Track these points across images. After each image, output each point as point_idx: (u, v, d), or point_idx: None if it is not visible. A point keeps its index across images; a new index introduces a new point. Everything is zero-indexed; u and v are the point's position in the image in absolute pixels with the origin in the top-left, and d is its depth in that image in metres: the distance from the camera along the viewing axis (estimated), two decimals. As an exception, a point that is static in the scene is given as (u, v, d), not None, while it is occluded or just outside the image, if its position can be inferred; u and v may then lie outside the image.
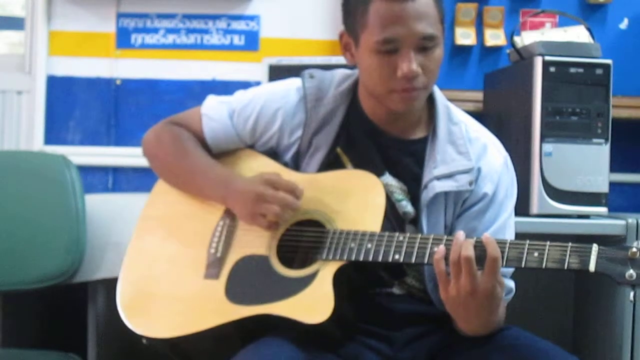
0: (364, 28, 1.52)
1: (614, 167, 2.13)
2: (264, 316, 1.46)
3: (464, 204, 1.58)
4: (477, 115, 1.71)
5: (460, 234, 1.40)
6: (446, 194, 1.56)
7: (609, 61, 2.08)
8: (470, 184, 1.56)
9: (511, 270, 1.57)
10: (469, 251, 1.37)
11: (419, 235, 1.47)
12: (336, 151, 1.62)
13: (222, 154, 1.72)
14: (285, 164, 1.67)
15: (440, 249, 1.40)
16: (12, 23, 2.81)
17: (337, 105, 1.63)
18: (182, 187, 1.71)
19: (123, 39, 2.68)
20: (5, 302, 2.13)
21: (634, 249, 1.31)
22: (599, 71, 2.07)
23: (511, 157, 1.65)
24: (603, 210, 2.07)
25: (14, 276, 2.03)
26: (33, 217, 2.07)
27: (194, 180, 1.67)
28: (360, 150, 1.62)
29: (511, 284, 1.58)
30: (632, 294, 1.37)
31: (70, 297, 2.17)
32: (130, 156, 2.61)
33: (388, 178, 1.59)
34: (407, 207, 1.58)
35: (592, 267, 1.33)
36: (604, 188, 2.07)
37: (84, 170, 2.33)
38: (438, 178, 1.55)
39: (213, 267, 1.58)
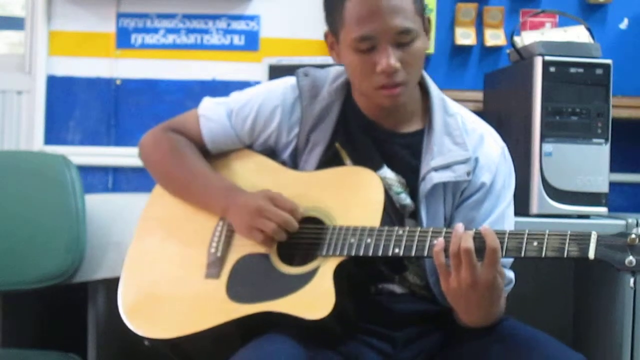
0: (341, 26, 1.53)
1: (614, 167, 2.13)
2: (265, 314, 1.46)
3: (462, 194, 1.58)
4: (477, 115, 1.71)
5: (459, 226, 1.40)
6: (444, 184, 1.56)
7: (609, 61, 2.08)
8: (468, 174, 1.55)
9: (511, 260, 1.57)
10: (469, 243, 1.37)
11: (418, 229, 1.47)
12: (335, 146, 1.62)
13: (219, 154, 1.72)
14: (283, 163, 1.67)
15: (440, 241, 1.40)
16: (12, 23, 2.80)
17: (332, 101, 1.63)
18: (180, 197, 1.70)
19: (123, 39, 2.68)
20: (5, 302, 2.13)
21: (633, 236, 1.31)
22: (599, 71, 2.07)
23: (511, 157, 1.65)
24: (603, 210, 2.07)
25: (14, 276, 2.03)
26: (33, 217, 2.07)
27: (194, 192, 1.67)
28: (357, 145, 1.62)
29: (511, 274, 1.58)
30: (632, 280, 1.36)
31: (70, 297, 2.16)
32: (130, 156, 2.58)
33: (386, 172, 1.59)
34: (406, 199, 1.58)
35: (591, 254, 1.33)
36: (604, 188, 2.07)
37: (84, 170, 2.33)
38: (436, 169, 1.55)
39: (214, 266, 1.58)
